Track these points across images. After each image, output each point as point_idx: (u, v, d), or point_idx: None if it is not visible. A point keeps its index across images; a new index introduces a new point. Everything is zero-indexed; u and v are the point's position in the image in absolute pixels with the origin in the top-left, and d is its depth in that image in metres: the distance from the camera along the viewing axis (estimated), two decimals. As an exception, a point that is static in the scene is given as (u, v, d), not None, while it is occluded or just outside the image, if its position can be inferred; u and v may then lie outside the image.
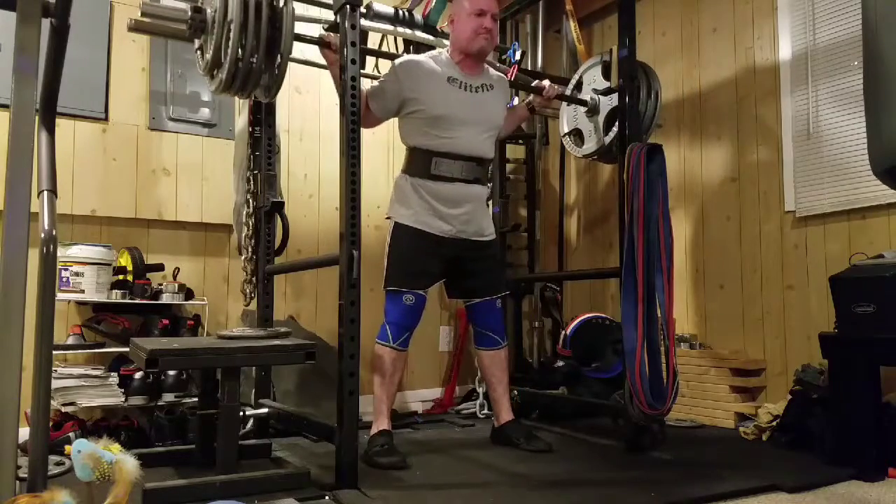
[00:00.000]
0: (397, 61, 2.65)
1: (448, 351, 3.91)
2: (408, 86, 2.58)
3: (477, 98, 2.67)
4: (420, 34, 3.01)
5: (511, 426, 2.76)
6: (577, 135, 3.35)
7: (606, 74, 3.17)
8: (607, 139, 3.10)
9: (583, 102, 3.20)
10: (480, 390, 3.58)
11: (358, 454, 2.16)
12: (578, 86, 3.34)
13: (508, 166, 4.00)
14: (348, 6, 2.25)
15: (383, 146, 3.82)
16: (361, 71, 2.41)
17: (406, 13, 2.97)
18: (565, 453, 2.65)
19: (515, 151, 4.12)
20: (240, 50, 2.08)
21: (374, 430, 2.54)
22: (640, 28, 3.83)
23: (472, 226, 2.68)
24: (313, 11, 2.90)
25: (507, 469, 2.37)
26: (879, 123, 1.47)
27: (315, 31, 3.37)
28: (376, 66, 3.12)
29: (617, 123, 2.95)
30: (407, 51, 3.13)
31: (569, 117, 3.40)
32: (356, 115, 2.25)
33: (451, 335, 3.94)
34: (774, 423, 2.83)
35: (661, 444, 2.68)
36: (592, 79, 3.27)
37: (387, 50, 3.10)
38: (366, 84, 2.74)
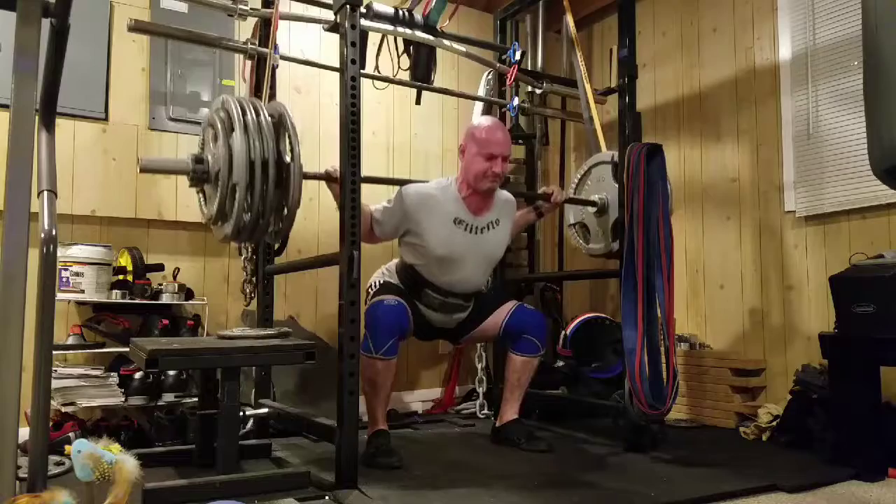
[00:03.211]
0: (405, 192, 2.59)
1: (448, 351, 3.90)
2: (413, 219, 2.57)
3: (481, 239, 2.66)
4: (420, 34, 3.01)
5: (512, 426, 2.76)
6: (583, 227, 3.25)
7: (615, 174, 2.98)
8: (615, 246, 2.99)
9: (592, 203, 3.11)
10: (480, 390, 3.58)
11: (358, 454, 2.16)
12: (584, 175, 3.25)
13: (508, 166, 3.99)
14: (348, 6, 2.24)
15: (383, 147, 3.82)
16: (361, 71, 2.40)
17: (406, 13, 2.96)
18: (565, 453, 2.65)
19: (515, 151, 4.09)
20: (246, 211, 2.06)
21: (370, 431, 2.53)
22: (640, 28, 3.83)
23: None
24: (313, 11, 2.90)
25: (507, 469, 2.37)
26: (879, 123, 1.47)
27: (315, 31, 3.39)
28: (376, 66, 3.12)
29: (624, 228, 2.76)
30: (407, 51, 3.13)
31: (575, 210, 3.27)
32: (356, 114, 2.25)
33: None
34: (774, 423, 2.84)
35: (661, 444, 2.69)
36: (601, 176, 3.15)
37: (387, 50, 3.09)
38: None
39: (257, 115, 2.09)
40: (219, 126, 2.09)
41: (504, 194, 2.80)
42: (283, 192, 2.12)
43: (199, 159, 2.12)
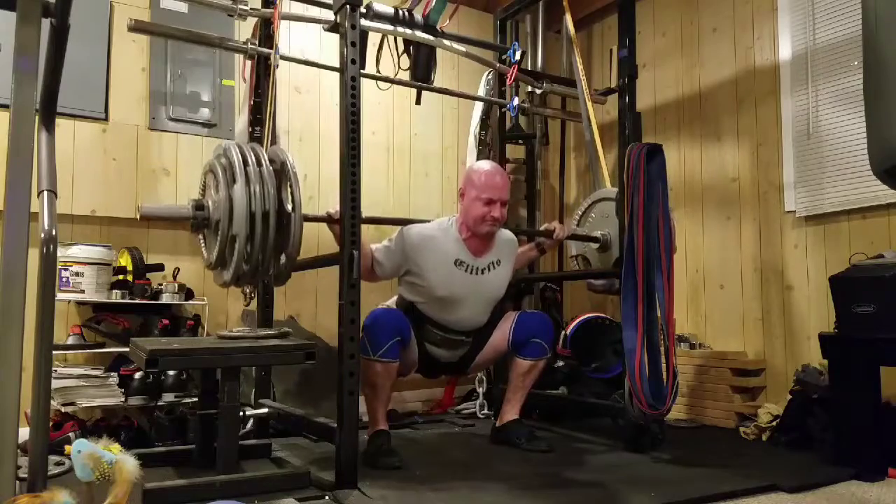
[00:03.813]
0: (406, 233, 2.59)
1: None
2: (414, 260, 2.57)
3: (481, 280, 2.66)
4: (420, 34, 3.01)
5: (512, 426, 2.76)
6: (584, 261, 3.24)
7: (619, 211, 2.86)
8: (616, 282, 2.92)
9: (595, 240, 3.09)
10: (480, 390, 3.58)
11: (358, 454, 2.16)
12: (588, 209, 3.23)
13: (508, 166, 3.98)
14: (348, 6, 2.24)
15: (383, 146, 3.82)
16: (361, 71, 2.40)
17: (406, 13, 2.96)
18: (565, 453, 2.65)
19: (515, 151, 4.12)
20: (245, 261, 2.06)
21: (370, 431, 2.53)
22: (640, 28, 3.83)
23: None
24: (313, 11, 2.90)
25: (507, 469, 2.37)
26: (879, 123, 1.47)
27: (315, 30, 3.39)
28: (377, 66, 3.12)
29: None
30: (407, 51, 3.13)
31: (577, 242, 3.25)
32: (356, 114, 2.25)
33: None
34: (774, 423, 2.84)
35: (661, 444, 2.69)
36: (605, 212, 3.11)
37: (387, 50, 3.09)
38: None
39: (259, 164, 2.08)
40: (220, 175, 2.08)
41: (505, 234, 2.79)
42: (283, 238, 2.12)
43: (199, 206, 2.12)
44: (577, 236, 3.13)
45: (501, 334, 2.76)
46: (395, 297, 2.77)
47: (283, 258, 2.19)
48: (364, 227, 2.28)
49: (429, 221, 2.73)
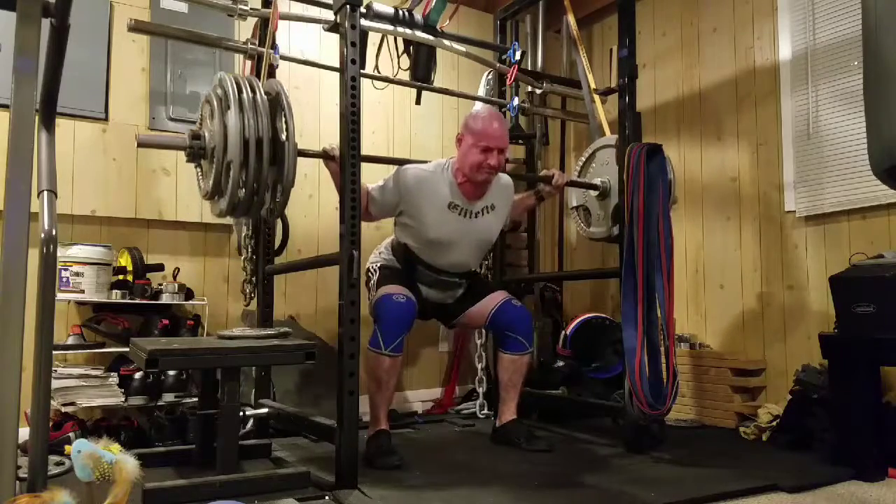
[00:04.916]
0: (403, 172, 2.60)
1: (448, 351, 3.91)
2: (407, 200, 2.59)
3: (474, 223, 2.68)
4: (420, 34, 3.01)
5: (512, 426, 2.76)
6: (585, 211, 3.23)
7: (620, 162, 2.84)
8: (615, 230, 2.96)
9: (594, 187, 3.08)
10: (480, 390, 3.58)
11: (358, 454, 2.16)
12: (589, 159, 3.22)
13: (508, 166, 3.97)
14: (348, 6, 2.25)
15: (383, 146, 3.82)
16: (361, 71, 2.40)
17: (406, 13, 2.96)
18: (565, 453, 2.65)
19: (515, 151, 4.11)
20: (240, 187, 2.08)
21: (371, 431, 2.54)
22: (640, 28, 3.83)
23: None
24: (313, 11, 2.90)
25: (507, 469, 2.37)
26: (879, 123, 1.47)
27: (315, 30, 3.39)
28: (376, 66, 3.12)
29: (623, 213, 2.74)
30: (407, 51, 3.13)
31: (577, 193, 3.25)
32: (356, 114, 2.25)
33: (451, 335, 3.93)
34: (774, 423, 2.84)
35: (661, 444, 2.69)
36: (605, 160, 3.10)
37: (387, 50, 3.10)
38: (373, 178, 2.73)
39: (253, 92, 2.10)
40: (215, 103, 2.10)
41: (503, 178, 2.79)
42: (277, 169, 2.13)
43: (196, 135, 2.14)
44: (576, 182, 3.13)
45: (485, 306, 2.77)
46: (389, 239, 2.79)
47: (278, 192, 2.19)
48: (364, 226, 2.28)
49: (425, 163, 2.73)
